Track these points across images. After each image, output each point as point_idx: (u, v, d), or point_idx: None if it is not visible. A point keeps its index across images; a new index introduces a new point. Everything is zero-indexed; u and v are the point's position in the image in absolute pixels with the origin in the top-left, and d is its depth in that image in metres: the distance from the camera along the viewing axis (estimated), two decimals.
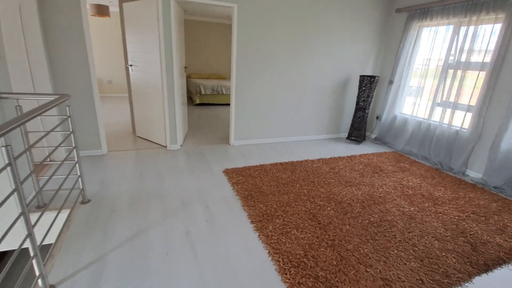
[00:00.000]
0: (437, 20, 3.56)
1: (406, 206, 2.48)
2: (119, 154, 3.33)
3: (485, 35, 3.10)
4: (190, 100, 7.46)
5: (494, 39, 3.01)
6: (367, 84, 4.08)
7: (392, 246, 1.91)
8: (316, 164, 3.35)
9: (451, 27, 3.47)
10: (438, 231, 2.13)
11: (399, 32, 4.15)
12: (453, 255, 1.85)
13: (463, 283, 1.63)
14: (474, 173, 3.30)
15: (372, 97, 4.14)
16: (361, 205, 2.43)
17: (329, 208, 2.34)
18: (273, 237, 1.90)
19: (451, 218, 2.32)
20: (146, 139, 3.92)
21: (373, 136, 4.75)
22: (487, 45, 3.09)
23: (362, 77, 4.10)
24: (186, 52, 7.95)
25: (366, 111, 4.21)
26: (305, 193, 2.58)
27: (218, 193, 2.54)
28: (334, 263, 1.70)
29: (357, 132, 4.35)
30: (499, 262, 1.83)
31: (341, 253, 1.79)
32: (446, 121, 3.54)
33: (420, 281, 1.61)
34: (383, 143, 4.45)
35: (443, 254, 1.86)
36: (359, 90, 4.19)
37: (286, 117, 4.14)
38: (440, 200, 2.63)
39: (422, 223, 2.22)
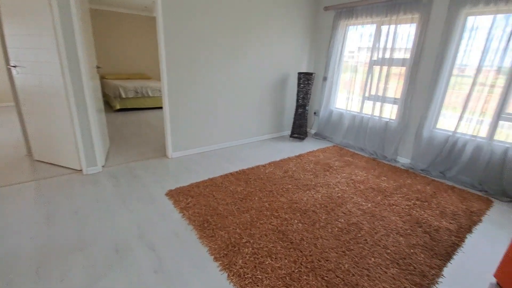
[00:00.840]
0: (362, 18, 3.78)
1: (363, 203, 2.49)
2: (9, 191, 2.39)
3: (404, 33, 3.41)
4: (107, 106, 6.28)
5: (412, 37, 3.34)
6: (305, 81, 4.08)
7: (368, 253, 1.83)
8: (268, 169, 3.13)
9: (374, 25, 3.72)
10: (398, 225, 2.17)
11: (328, 30, 4.28)
12: (420, 250, 1.89)
13: (437, 279, 1.65)
14: (404, 159, 3.66)
15: (310, 94, 4.18)
16: (325, 211, 2.31)
17: (296, 221, 2.14)
18: (246, 275, 1.57)
19: (403, 208, 2.44)
20: (50, 163, 2.98)
21: (313, 131, 4.87)
22: (406, 43, 3.41)
23: (300, 74, 4.08)
24: (98, 48, 6.65)
25: (307, 108, 4.23)
26: (266, 206, 2.32)
27: (165, 225, 2.03)
28: None
29: (300, 129, 4.35)
30: (454, 247, 1.95)
31: (325, 277, 1.59)
32: (376, 113, 3.82)
33: None
34: (322, 138, 4.59)
35: (412, 251, 1.88)
36: (298, 87, 4.17)
37: (228, 119, 3.79)
38: (388, 191, 2.76)
39: (382, 219, 2.24)
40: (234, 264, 1.65)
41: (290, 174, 3.04)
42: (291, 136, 4.45)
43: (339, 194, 2.62)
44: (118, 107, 5.72)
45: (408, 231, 2.10)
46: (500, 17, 2.67)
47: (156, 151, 3.57)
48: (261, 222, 2.10)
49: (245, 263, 1.66)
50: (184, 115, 3.32)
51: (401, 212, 2.36)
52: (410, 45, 3.37)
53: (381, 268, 1.69)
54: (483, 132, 2.94)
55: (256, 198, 2.44)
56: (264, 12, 3.64)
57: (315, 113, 4.76)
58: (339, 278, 1.59)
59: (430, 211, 2.41)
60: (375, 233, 2.06)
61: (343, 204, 2.45)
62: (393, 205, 2.49)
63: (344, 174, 3.11)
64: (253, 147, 3.95)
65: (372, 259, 1.77)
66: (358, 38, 3.95)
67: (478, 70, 2.83)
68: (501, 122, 2.81)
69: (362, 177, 3.07)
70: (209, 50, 3.28)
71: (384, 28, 3.59)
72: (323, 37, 4.40)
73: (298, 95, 4.21)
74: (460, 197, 2.72)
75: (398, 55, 3.52)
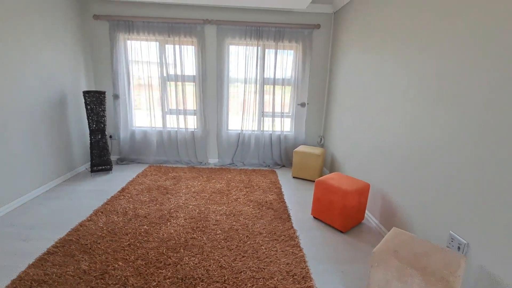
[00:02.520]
0: (145, 35, 3.74)
1: (219, 208, 2.73)
2: None
3: (189, 53, 3.88)
4: None
5: (196, 57, 3.88)
6: (94, 101, 3.37)
7: (255, 244, 2.13)
8: (100, 220, 2.38)
9: (158, 43, 3.84)
10: (253, 212, 2.68)
11: (106, 42, 3.76)
12: (276, 222, 2.51)
13: (296, 233, 2.33)
14: (213, 160, 4.30)
15: (105, 116, 3.52)
16: (201, 232, 2.28)
17: (187, 257, 1.94)
18: None
19: (244, 198, 2.99)
20: None
21: (115, 157, 4.17)
22: (193, 62, 3.91)
23: (86, 93, 3.29)
24: None
25: (106, 132, 3.54)
26: (142, 264, 1.85)
27: None
28: None
29: (101, 159, 3.57)
30: (286, 209, 2.79)
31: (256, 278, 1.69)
32: (182, 125, 4.09)
33: None
34: (130, 161, 4.11)
35: (273, 225, 2.45)
36: (86, 109, 3.35)
37: None
38: (225, 190, 3.20)
39: (241, 214, 2.63)
40: None
41: (131, 213, 2.54)
42: (92, 170, 3.53)
43: (197, 210, 2.66)
44: None
45: (261, 213, 2.67)
46: (248, 47, 3.89)
47: None
48: (161, 282, 1.68)
49: None
50: None
51: (246, 202, 2.90)
52: (195, 63, 3.91)
53: (270, 248, 2.08)
54: (256, 127, 4.21)
55: (120, 264, 1.85)
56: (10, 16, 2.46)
57: (110, 136, 4.08)
58: (260, 271, 1.76)
59: (258, 193, 3.18)
60: (246, 226, 2.41)
61: (207, 217, 2.54)
62: (237, 199, 2.97)
63: (184, 190, 3.13)
64: (43, 204, 2.71)
65: (263, 247, 2.11)
66: (144, 54, 3.86)
67: (244, 81, 3.97)
68: (263, 118, 4.20)
69: (198, 187, 3.26)
70: None
71: (169, 47, 3.83)
72: (101, 50, 3.79)
73: (89, 119, 3.39)
74: (261, 176, 3.79)
75: (188, 72, 3.95)
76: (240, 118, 4.15)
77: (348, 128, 3.22)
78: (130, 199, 2.83)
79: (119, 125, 3.98)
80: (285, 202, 2.95)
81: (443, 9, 1.74)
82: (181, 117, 4.06)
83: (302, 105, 4.11)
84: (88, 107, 3.36)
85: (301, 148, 3.74)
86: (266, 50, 3.93)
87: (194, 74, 3.95)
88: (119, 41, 3.75)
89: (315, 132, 4.27)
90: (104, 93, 3.40)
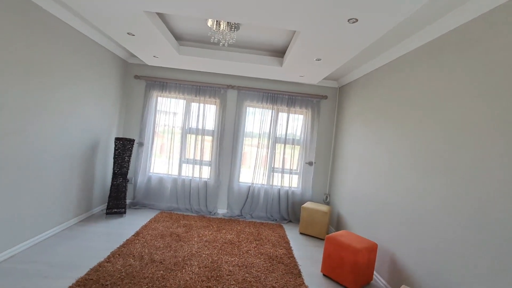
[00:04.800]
0: (174, 94, 4.30)
1: (231, 259, 2.80)
2: None
3: (211, 111, 4.38)
4: None
5: (216, 115, 4.37)
6: (123, 147, 3.70)
7: None
8: (117, 263, 2.45)
9: (185, 101, 4.38)
10: (264, 265, 2.73)
11: (141, 97, 4.30)
12: (288, 277, 2.56)
13: None
14: (222, 210, 4.43)
15: (129, 162, 3.81)
16: (215, 281, 2.34)
17: None
18: None
19: (254, 251, 3.06)
20: None
21: (128, 201, 4.31)
22: (214, 118, 4.38)
23: (119, 140, 3.64)
24: None
25: (127, 177, 3.78)
26: None
27: None
28: None
29: (118, 202, 3.72)
30: (296, 264, 2.85)
31: None
32: (196, 175, 4.34)
33: None
34: (142, 206, 4.23)
35: (285, 280, 2.50)
36: (114, 154, 3.65)
37: (14, 213, 2.44)
38: (235, 241, 3.28)
39: (253, 266, 2.69)
40: None
41: (147, 258, 2.61)
42: (108, 213, 3.65)
43: (210, 259, 2.72)
44: None
45: (272, 267, 2.73)
46: (263, 110, 4.41)
47: None
48: None
49: None
50: None
51: (257, 255, 2.97)
52: (215, 120, 4.37)
53: None
54: (266, 181, 4.46)
55: None
56: (71, 70, 2.98)
57: (128, 180, 4.29)
58: None
59: (268, 246, 3.25)
60: (258, 278, 2.46)
61: (220, 267, 2.60)
62: (248, 251, 3.04)
63: (196, 238, 3.21)
64: (62, 242, 2.79)
65: None
66: (171, 109, 4.36)
67: (258, 139, 4.37)
68: (272, 173, 4.48)
69: (209, 236, 3.35)
70: None
71: (194, 105, 4.36)
72: (136, 103, 4.30)
73: (114, 163, 3.67)
74: (269, 229, 3.88)
75: (208, 127, 4.39)
76: (252, 171, 4.43)
77: (352, 188, 3.47)
78: (145, 244, 2.91)
79: (138, 170, 4.23)
80: (294, 258, 3.01)
81: (432, 97, 2.19)
82: (197, 166, 4.34)
83: (310, 163, 4.44)
84: (116, 152, 3.67)
85: (308, 205, 3.92)
86: (279, 113, 4.45)
87: (213, 129, 4.38)
88: (152, 97, 4.28)
89: (321, 190, 4.50)
90: (133, 140, 3.75)
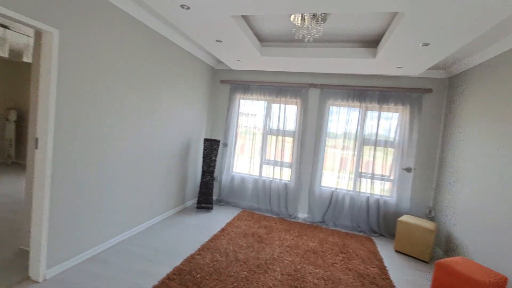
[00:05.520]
0: (256, 95, 4.37)
1: (315, 270, 2.60)
2: None
3: (292, 111, 4.27)
4: None
5: (297, 115, 4.22)
6: (212, 147, 3.98)
7: None
8: (206, 257, 2.60)
9: (266, 102, 4.40)
10: (353, 283, 2.42)
11: (225, 100, 4.56)
12: None
13: None
14: (302, 214, 4.24)
15: (216, 161, 4.08)
16: None
17: None
18: None
19: (341, 265, 2.76)
20: None
21: (214, 197, 4.64)
22: (295, 119, 4.25)
23: (206, 141, 3.95)
24: None
25: (215, 174, 4.06)
26: None
27: None
28: None
29: (206, 197, 4.03)
30: (392, 286, 2.43)
31: None
32: (277, 176, 4.30)
33: None
34: (226, 204, 4.47)
35: None
36: (203, 153, 3.97)
37: (131, 200, 2.89)
38: (318, 250, 3.05)
39: (340, 282, 2.42)
40: None
41: (232, 256, 2.67)
42: (198, 207, 4.00)
43: (292, 267, 2.59)
44: None
45: (363, 287, 2.39)
46: (349, 108, 4.01)
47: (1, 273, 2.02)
48: None
49: None
50: (69, 205, 2.20)
51: (344, 270, 2.67)
52: (296, 120, 4.23)
53: None
54: (352, 186, 4.03)
55: None
56: (170, 75, 3.36)
57: (214, 178, 4.62)
58: None
59: (356, 261, 2.89)
60: None
61: (304, 277, 2.44)
62: (334, 264, 2.77)
63: (277, 242, 3.14)
64: (163, 230, 3.17)
65: None
66: (252, 110, 4.47)
67: (343, 140, 3.99)
68: (360, 179, 4.01)
69: (290, 241, 3.22)
70: (110, 112, 2.53)
71: (275, 105, 4.33)
72: (221, 106, 4.60)
73: (203, 162, 3.98)
74: (356, 241, 3.47)
75: (288, 128, 4.29)
76: (335, 175, 4.09)
77: (470, 204, 2.73)
78: (230, 241, 3.02)
79: (223, 169, 4.49)
80: (391, 280, 2.57)
81: None
82: (277, 168, 4.30)
83: (408, 170, 3.78)
84: (205, 152, 3.98)
85: (407, 218, 3.33)
86: (368, 111, 3.95)
87: (294, 130, 4.25)
88: (235, 100, 4.48)
89: (422, 202, 3.77)
90: (219, 141, 4.00)
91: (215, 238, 3.06)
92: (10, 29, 3.56)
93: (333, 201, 4.03)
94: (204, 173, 4.00)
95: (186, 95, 3.75)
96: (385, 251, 3.30)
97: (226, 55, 3.46)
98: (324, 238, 3.43)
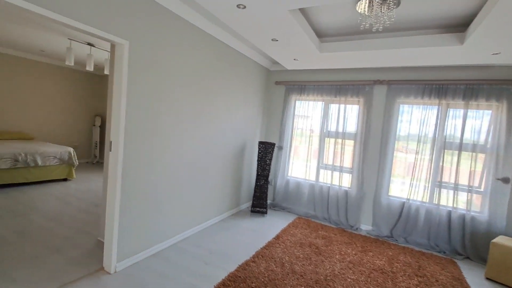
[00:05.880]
0: (313, 96, 4.12)
1: None
2: None
3: (353, 112, 3.89)
4: None
5: (359, 116, 3.82)
6: (266, 150, 3.89)
7: None
8: (260, 265, 2.49)
9: (323, 103, 4.12)
10: None
11: (280, 102, 4.44)
12: None
13: None
14: (366, 226, 3.81)
15: (270, 164, 3.97)
16: None
17: None
18: None
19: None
20: None
21: (268, 202, 4.55)
22: (356, 120, 3.87)
23: (261, 144, 3.88)
24: None
25: (269, 178, 3.96)
26: None
27: None
28: None
29: (260, 202, 3.95)
30: None
31: None
32: (335, 182, 3.97)
33: None
34: (281, 209, 4.32)
35: None
36: (258, 156, 3.91)
37: (190, 201, 2.98)
38: (387, 270, 2.66)
39: None
40: None
41: (288, 267, 2.50)
42: (252, 211, 3.95)
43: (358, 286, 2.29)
44: None
45: None
46: (424, 106, 3.44)
47: (78, 264, 2.27)
48: None
49: None
50: (137, 203, 2.34)
51: None
52: (358, 121, 3.83)
53: None
54: (428, 198, 3.44)
55: None
56: (226, 79, 3.39)
57: (269, 182, 4.53)
58: None
59: (437, 283, 2.41)
60: None
61: None
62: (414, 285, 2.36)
63: (337, 256, 2.84)
64: (218, 232, 3.19)
65: None
66: (309, 112, 4.23)
67: (417, 143, 3.44)
68: (438, 189, 3.39)
69: (353, 256, 2.89)
70: (174, 115, 2.63)
71: (333, 106, 4.01)
72: (276, 108, 4.50)
73: (258, 165, 3.92)
74: (435, 264, 2.92)
75: (348, 129, 3.92)
76: (407, 184, 3.56)
77: None
78: (285, 250, 2.85)
79: (278, 173, 4.36)
80: None
81: None
82: (336, 173, 3.96)
83: (505, 180, 3.05)
84: (260, 155, 3.91)
85: (502, 240, 2.67)
86: (450, 109, 3.33)
87: (356, 132, 3.86)
88: (290, 101, 4.31)
89: None
90: (274, 144, 3.88)
91: (269, 245, 2.94)
92: (94, 46, 4.10)
93: (404, 214, 3.51)
94: (258, 177, 3.93)
95: (241, 98, 3.75)
96: (473, 278, 2.70)
97: (282, 54, 3.33)
98: (393, 256, 2.99)
